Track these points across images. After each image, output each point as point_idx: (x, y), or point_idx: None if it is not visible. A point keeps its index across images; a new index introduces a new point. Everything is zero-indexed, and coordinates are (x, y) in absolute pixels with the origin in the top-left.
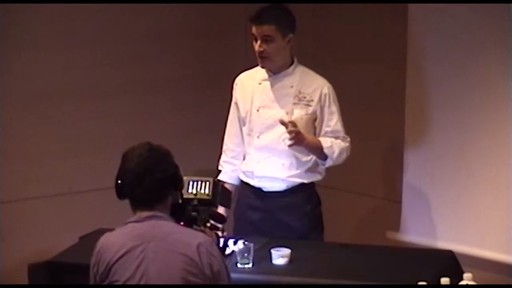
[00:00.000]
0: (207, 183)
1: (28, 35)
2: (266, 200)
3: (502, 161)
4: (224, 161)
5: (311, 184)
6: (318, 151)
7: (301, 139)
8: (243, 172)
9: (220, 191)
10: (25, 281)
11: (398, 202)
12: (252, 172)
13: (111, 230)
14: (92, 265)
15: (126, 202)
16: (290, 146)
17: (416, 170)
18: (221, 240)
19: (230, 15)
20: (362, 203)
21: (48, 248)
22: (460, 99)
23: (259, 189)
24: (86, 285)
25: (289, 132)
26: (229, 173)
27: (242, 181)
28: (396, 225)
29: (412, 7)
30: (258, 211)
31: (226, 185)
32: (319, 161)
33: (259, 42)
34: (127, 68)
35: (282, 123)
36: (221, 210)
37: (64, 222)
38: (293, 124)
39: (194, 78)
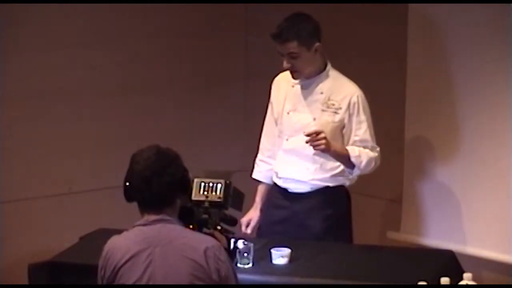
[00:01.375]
0: (219, 185)
1: (28, 35)
2: (291, 201)
3: (503, 161)
4: (260, 160)
5: (339, 187)
6: (345, 159)
7: (327, 145)
8: (274, 172)
9: (232, 193)
10: (25, 281)
11: (399, 202)
12: (277, 173)
13: (111, 230)
14: (99, 269)
15: (126, 203)
16: (316, 150)
17: (416, 170)
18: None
19: (230, 15)
20: (362, 203)
21: (48, 248)
22: (461, 99)
23: (285, 189)
24: (86, 285)
25: (311, 140)
26: (264, 173)
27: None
28: (396, 225)
29: (412, 7)
30: (283, 211)
31: (261, 185)
32: (346, 169)
33: (285, 59)
34: (127, 68)
35: (307, 135)
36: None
37: (64, 222)
38: (318, 131)
39: (194, 78)
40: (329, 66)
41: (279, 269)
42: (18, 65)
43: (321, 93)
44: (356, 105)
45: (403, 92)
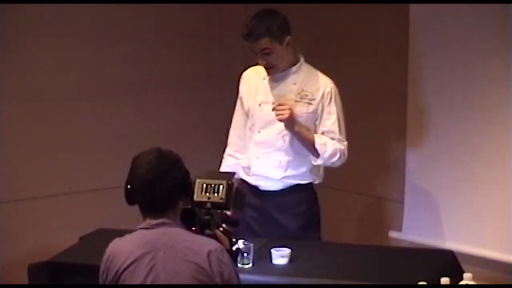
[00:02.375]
0: (221, 186)
1: (28, 35)
2: (262, 199)
3: (503, 161)
4: (227, 154)
5: (309, 185)
6: (311, 144)
7: (290, 115)
8: (242, 168)
9: (234, 194)
10: (25, 281)
11: (401, 202)
12: (250, 168)
13: (111, 230)
14: (101, 272)
15: (125, 203)
16: (279, 120)
17: (418, 171)
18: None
19: (229, 15)
20: (364, 203)
21: (48, 248)
22: (462, 99)
23: (256, 187)
24: (86, 285)
25: (275, 109)
26: (231, 167)
27: (241, 178)
28: (398, 225)
29: (413, 7)
30: (254, 210)
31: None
32: (312, 158)
33: (259, 56)
34: (127, 68)
35: (273, 109)
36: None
37: (64, 222)
38: (283, 104)
39: (194, 78)
40: (302, 60)
41: (279, 269)
42: (18, 65)
43: (294, 84)
44: (329, 95)
45: (405, 92)
